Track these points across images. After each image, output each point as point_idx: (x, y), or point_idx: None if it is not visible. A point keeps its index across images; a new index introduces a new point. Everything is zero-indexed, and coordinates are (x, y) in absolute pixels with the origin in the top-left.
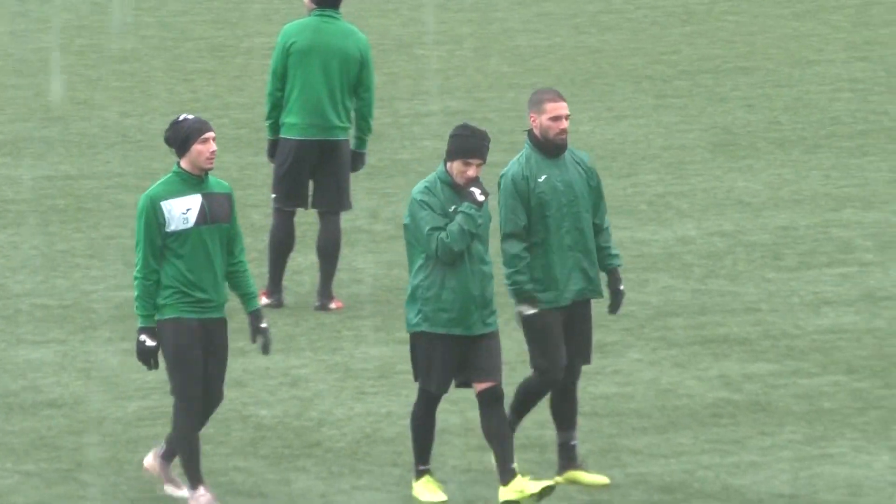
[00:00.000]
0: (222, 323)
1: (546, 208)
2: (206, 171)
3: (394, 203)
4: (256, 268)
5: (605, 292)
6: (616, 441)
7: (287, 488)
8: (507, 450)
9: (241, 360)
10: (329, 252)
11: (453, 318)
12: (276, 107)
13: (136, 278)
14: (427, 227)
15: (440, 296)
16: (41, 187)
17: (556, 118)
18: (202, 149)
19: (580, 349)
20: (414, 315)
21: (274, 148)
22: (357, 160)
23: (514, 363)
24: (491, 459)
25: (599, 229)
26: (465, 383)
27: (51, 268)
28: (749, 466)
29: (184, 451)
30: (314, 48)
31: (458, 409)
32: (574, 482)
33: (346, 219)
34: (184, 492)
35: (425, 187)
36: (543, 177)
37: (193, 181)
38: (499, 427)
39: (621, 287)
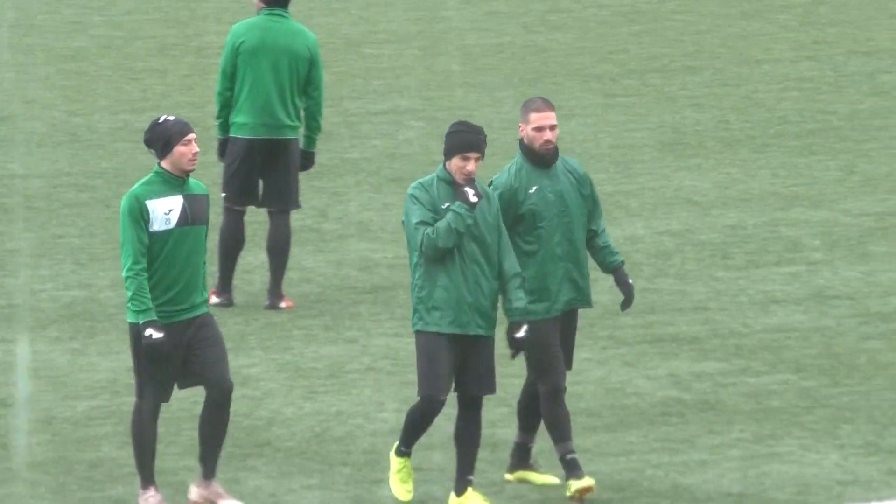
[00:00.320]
0: (203, 318)
1: (538, 219)
2: (188, 173)
3: (343, 202)
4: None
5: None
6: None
7: (237, 487)
8: (471, 460)
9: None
10: (279, 251)
11: (446, 315)
12: (226, 106)
13: (126, 278)
14: (414, 221)
15: (432, 294)
16: None
17: (540, 129)
18: (185, 150)
19: (565, 356)
20: (413, 314)
21: (224, 147)
22: (306, 159)
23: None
24: (440, 459)
25: (596, 234)
26: (461, 390)
27: None
28: (698, 465)
29: (139, 446)
30: (263, 47)
31: (409, 407)
32: (525, 481)
33: (295, 218)
34: (233, 501)
35: (420, 184)
36: (535, 188)
37: (175, 182)
38: (473, 434)
39: (630, 281)
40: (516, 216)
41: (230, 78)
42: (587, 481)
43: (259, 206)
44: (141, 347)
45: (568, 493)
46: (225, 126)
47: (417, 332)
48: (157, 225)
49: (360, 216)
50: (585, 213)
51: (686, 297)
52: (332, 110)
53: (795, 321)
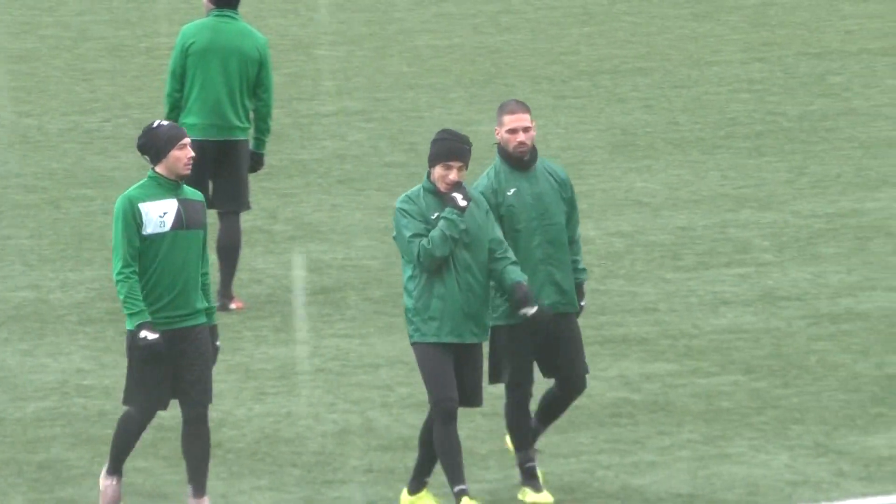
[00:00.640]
0: (197, 331)
1: (516, 221)
2: (182, 178)
3: (293, 203)
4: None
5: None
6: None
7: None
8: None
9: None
10: (229, 252)
11: (443, 326)
12: (176, 107)
13: (118, 281)
14: (408, 234)
15: (429, 305)
16: None
17: (513, 131)
18: (180, 154)
19: (572, 360)
20: (409, 326)
21: None
22: (256, 161)
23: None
24: (392, 460)
25: (570, 241)
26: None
27: None
28: (648, 466)
29: (120, 438)
30: (213, 48)
31: (360, 409)
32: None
33: (245, 219)
34: None
35: (407, 196)
36: (513, 190)
37: (170, 186)
38: (456, 443)
39: (583, 303)
40: (496, 218)
41: (180, 79)
42: (546, 497)
43: (209, 207)
44: (135, 353)
45: (521, 497)
46: None
47: (415, 344)
48: (151, 228)
49: (310, 217)
50: (566, 216)
51: (636, 299)
52: (282, 111)
53: (745, 322)
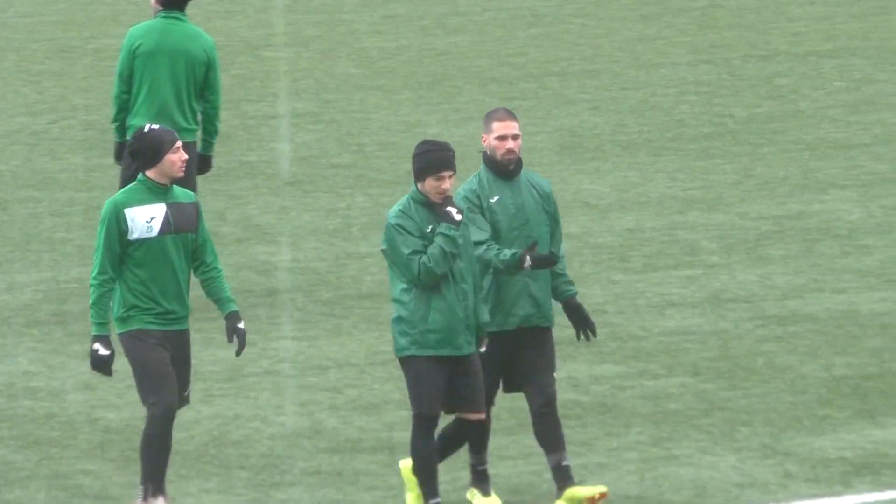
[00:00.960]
0: (186, 335)
1: (496, 229)
2: (174, 181)
3: (241, 205)
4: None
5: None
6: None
7: (134, 491)
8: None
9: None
10: None
11: (441, 338)
12: (123, 109)
13: (91, 284)
14: (407, 252)
15: (427, 318)
16: None
17: (502, 138)
18: (175, 158)
19: (541, 372)
20: (402, 339)
21: (121, 150)
22: (204, 163)
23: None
24: (340, 462)
25: (555, 257)
26: (450, 410)
27: None
28: (596, 468)
29: (153, 458)
30: (160, 50)
31: (308, 411)
32: (574, 499)
33: None
34: None
35: (400, 210)
36: (496, 198)
37: (159, 190)
38: (421, 453)
39: (585, 313)
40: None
41: (127, 81)
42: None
43: None
44: (134, 352)
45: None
46: (122, 129)
47: (410, 357)
48: (137, 233)
49: (258, 219)
50: (548, 230)
51: (584, 300)
52: (230, 113)
53: (693, 324)
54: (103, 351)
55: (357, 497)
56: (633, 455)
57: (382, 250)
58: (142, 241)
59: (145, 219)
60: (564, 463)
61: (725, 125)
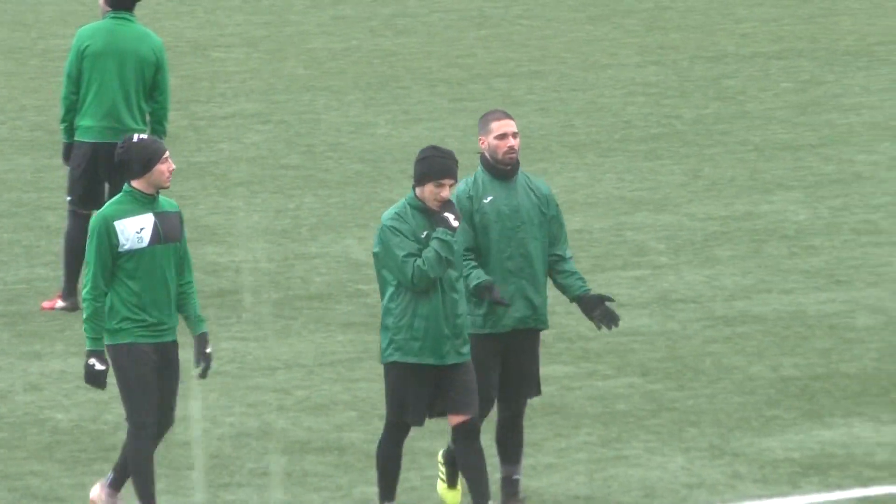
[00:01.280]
0: (175, 346)
1: (489, 231)
2: (160, 191)
3: (190, 206)
4: (52, 271)
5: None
6: (414, 444)
7: (83, 492)
8: (483, 486)
9: (38, 364)
10: None
11: (425, 346)
12: (71, 110)
13: (85, 299)
14: (402, 254)
15: (412, 324)
16: None
17: (503, 136)
18: (164, 168)
19: (524, 380)
20: (386, 345)
21: (69, 151)
22: None
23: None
24: (289, 463)
25: (562, 258)
26: (440, 413)
27: None
28: (545, 468)
29: (138, 476)
30: (109, 51)
31: (256, 412)
32: None
33: None
34: None
35: (395, 213)
36: (489, 198)
37: (146, 200)
38: (476, 462)
39: (607, 302)
40: (469, 224)
41: (76, 81)
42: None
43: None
44: (124, 368)
45: None
46: (70, 130)
47: (392, 363)
48: (129, 244)
49: (207, 220)
50: (546, 232)
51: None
52: (178, 114)
53: (641, 325)
54: (99, 366)
55: (306, 497)
56: (582, 455)
57: (375, 253)
58: (132, 253)
59: (135, 230)
60: (515, 477)
61: (673, 126)
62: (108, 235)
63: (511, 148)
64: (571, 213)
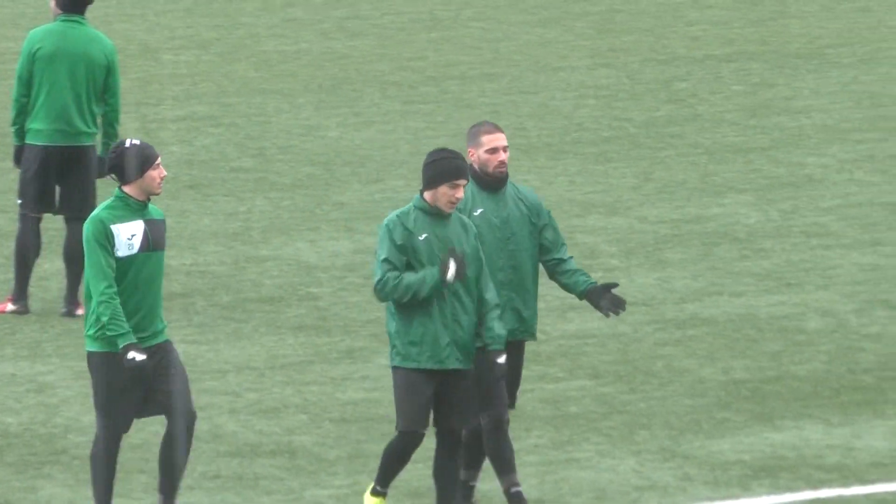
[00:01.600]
0: (168, 345)
1: (481, 243)
2: (150, 197)
3: None
4: (2, 273)
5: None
6: (364, 447)
7: (33, 496)
8: (450, 495)
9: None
10: (75, 258)
11: (423, 351)
12: (22, 112)
13: (100, 303)
14: (381, 256)
15: (409, 329)
16: None
17: (494, 150)
18: (155, 174)
19: (510, 387)
20: (391, 349)
21: (20, 154)
22: (103, 166)
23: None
24: (239, 466)
25: (562, 261)
26: (435, 419)
27: None
28: None
29: (97, 479)
30: (60, 54)
31: (207, 415)
32: None
33: None
34: None
35: (397, 216)
36: (479, 210)
37: (138, 206)
38: (451, 471)
39: (612, 289)
40: None
41: (27, 84)
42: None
43: (56, 213)
44: (107, 375)
45: None
46: (21, 132)
47: (395, 368)
48: (121, 251)
49: None
50: (536, 243)
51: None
52: (129, 116)
53: (592, 328)
54: (139, 356)
55: (257, 501)
56: (534, 458)
57: (376, 251)
58: (123, 259)
59: (127, 236)
60: (472, 483)
61: (624, 129)
62: (107, 237)
63: (502, 162)
64: None
